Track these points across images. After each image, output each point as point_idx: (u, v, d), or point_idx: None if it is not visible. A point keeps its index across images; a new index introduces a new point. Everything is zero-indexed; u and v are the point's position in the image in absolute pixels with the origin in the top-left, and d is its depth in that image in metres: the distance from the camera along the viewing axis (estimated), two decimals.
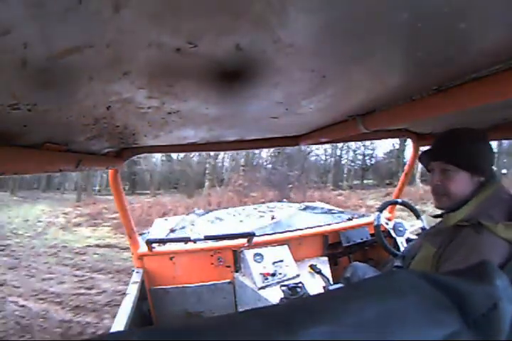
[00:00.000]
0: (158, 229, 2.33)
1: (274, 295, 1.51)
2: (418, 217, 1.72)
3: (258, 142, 1.40)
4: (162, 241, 1.77)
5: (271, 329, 0.21)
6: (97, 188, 18.51)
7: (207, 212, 2.82)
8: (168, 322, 0.23)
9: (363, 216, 2.24)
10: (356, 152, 17.63)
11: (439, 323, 0.23)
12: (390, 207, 1.92)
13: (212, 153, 13.07)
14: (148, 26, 0.30)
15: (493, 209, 0.79)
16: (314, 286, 1.59)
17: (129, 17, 0.28)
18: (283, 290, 1.49)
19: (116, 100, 0.53)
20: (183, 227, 2.28)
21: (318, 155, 17.20)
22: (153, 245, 1.67)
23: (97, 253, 5.34)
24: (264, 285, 1.58)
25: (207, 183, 13.47)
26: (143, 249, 1.69)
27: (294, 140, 1.41)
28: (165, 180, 17.62)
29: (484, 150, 0.83)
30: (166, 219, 2.80)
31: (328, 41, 0.39)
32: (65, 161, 0.77)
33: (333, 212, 2.53)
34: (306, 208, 2.68)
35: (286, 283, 1.58)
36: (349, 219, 2.14)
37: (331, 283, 1.63)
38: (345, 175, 17.59)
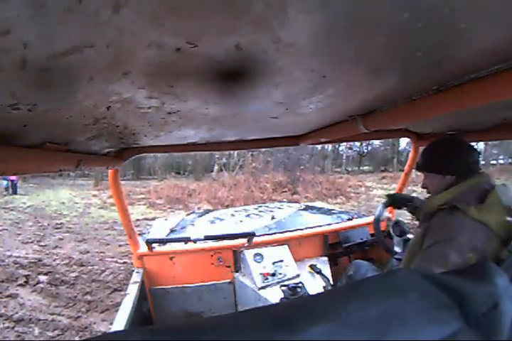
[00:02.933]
0: (158, 229, 2.33)
1: (274, 295, 1.51)
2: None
3: (258, 142, 1.40)
4: (162, 241, 1.77)
5: (271, 328, 0.21)
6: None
7: (207, 212, 2.82)
8: (168, 322, 0.23)
9: (363, 216, 2.24)
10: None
11: (440, 322, 0.23)
12: (390, 207, 1.92)
13: None
14: (148, 26, 0.30)
15: (468, 196, 0.96)
16: (314, 286, 1.59)
17: (129, 17, 0.28)
18: (283, 290, 1.49)
19: (117, 100, 0.53)
20: (183, 227, 2.28)
21: None
22: (154, 245, 1.68)
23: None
24: (264, 285, 1.58)
25: (216, 167, 13.69)
26: (143, 248, 1.69)
27: (294, 140, 1.41)
28: (167, 165, 17.94)
29: (451, 155, 1.02)
30: (166, 219, 2.80)
31: (328, 41, 0.39)
32: (65, 161, 0.77)
33: (333, 212, 2.53)
34: (306, 208, 2.68)
35: (286, 283, 1.58)
36: (349, 219, 2.14)
37: (331, 283, 1.63)
38: (344, 161, 18.43)
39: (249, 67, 0.46)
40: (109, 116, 0.63)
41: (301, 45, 0.39)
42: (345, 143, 18.21)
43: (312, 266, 1.72)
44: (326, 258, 1.85)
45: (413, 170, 1.64)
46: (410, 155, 1.76)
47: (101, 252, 4.57)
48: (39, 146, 0.64)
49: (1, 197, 8.82)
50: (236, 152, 13.94)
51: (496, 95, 0.53)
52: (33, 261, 4.09)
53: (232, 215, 2.58)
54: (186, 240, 1.75)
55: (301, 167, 11.15)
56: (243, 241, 1.74)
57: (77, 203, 9.50)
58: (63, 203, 9.46)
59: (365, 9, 0.31)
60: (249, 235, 1.71)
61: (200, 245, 1.76)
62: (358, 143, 18.38)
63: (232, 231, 1.85)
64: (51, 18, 0.25)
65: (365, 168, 18.99)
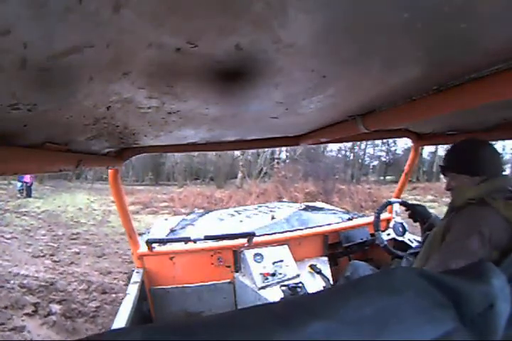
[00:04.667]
0: (159, 229, 2.33)
1: (274, 295, 1.51)
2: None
3: (258, 142, 1.40)
4: (162, 241, 1.77)
5: (270, 326, 0.21)
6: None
7: (207, 212, 2.82)
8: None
9: (363, 216, 2.24)
10: (376, 147, 17.98)
11: (436, 321, 0.23)
12: (389, 207, 1.92)
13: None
14: (148, 26, 0.30)
15: (497, 193, 0.95)
16: (314, 286, 1.59)
17: (129, 17, 0.28)
18: (283, 290, 1.49)
19: (117, 100, 0.53)
20: (183, 227, 2.28)
21: (332, 150, 17.42)
22: (154, 245, 1.68)
23: None
24: (264, 285, 1.58)
25: (240, 174, 13.25)
26: (143, 248, 1.69)
27: (294, 140, 1.41)
28: (187, 171, 17.61)
29: (481, 155, 1.00)
30: (166, 219, 2.80)
31: (328, 41, 0.39)
32: (65, 161, 0.77)
33: (333, 212, 2.53)
34: (306, 208, 2.68)
35: (286, 283, 1.58)
36: (349, 219, 2.14)
37: (331, 283, 1.63)
38: (371, 170, 17.96)
39: (249, 67, 0.46)
40: (109, 116, 0.63)
41: (301, 45, 0.39)
42: (370, 152, 17.82)
43: (312, 266, 1.72)
44: (326, 258, 1.85)
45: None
46: (410, 155, 1.76)
47: (125, 273, 3.82)
48: (39, 146, 0.64)
49: (13, 200, 8.01)
50: (262, 160, 13.62)
51: (496, 95, 0.53)
52: (43, 284, 3.38)
53: (232, 215, 2.58)
54: (186, 240, 1.75)
55: (336, 177, 10.58)
56: (243, 241, 1.74)
57: (95, 210, 8.74)
58: (80, 209, 8.70)
59: (365, 9, 0.31)
60: (249, 235, 1.71)
61: (200, 245, 1.76)
62: (379, 153, 18.00)
63: (232, 231, 1.85)
64: (51, 18, 0.25)
65: (388, 177, 18.36)
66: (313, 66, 0.48)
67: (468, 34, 0.38)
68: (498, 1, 0.30)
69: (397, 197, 1.85)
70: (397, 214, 1.74)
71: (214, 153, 14.04)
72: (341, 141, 1.50)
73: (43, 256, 4.52)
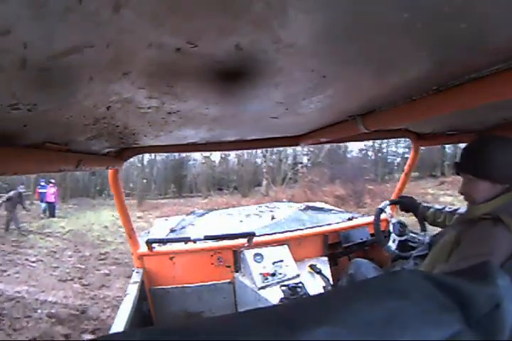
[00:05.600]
0: (159, 229, 2.33)
1: (274, 295, 1.51)
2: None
3: (258, 142, 1.40)
4: (162, 241, 1.77)
5: (273, 330, 0.21)
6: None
7: (207, 212, 2.81)
8: (168, 322, 0.23)
9: (363, 216, 2.24)
10: (398, 144, 17.70)
11: (442, 323, 0.23)
12: (389, 207, 1.92)
13: (268, 152, 12.83)
14: (148, 26, 0.30)
15: None
16: (314, 286, 1.59)
17: (129, 17, 0.28)
18: (283, 290, 1.49)
19: (117, 100, 0.53)
20: (183, 227, 2.28)
21: (352, 151, 17.16)
22: (154, 245, 1.68)
23: None
24: (264, 285, 1.58)
25: (265, 182, 12.94)
26: (143, 248, 1.69)
27: (294, 140, 1.41)
28: (209, 181, 17.40)
29: (506, 160, 0.86)
30: (166, 219, 2.80)
31: (328, 41, 0.39)
32: (65, 161, 0.77)
33: (333, 212, 2.53)
34: (306, 208, 2.68)
35: (286, 283, 1.58)
36: (349, 219, 2.14)
37: (331, 283, 1.63)
38: (395, 168, 17.67)
39: (249, 67, 0.46)
40: (109, 116, 0.63)
41: (301, 45, 0.39)
42: (393, 150, 17.49)
43: (312, 266, 1.72)
44: (326, 258, 1.85)
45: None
46: (410, 155, 1.76)
47: None
48: (39, 146, 0.64)
49: (37, 221, 7.62)
50: (286, 166, 13.27)
51: (496, 95, 0.53)
52: (74, 312, 3.07)
53: (232, 215, 2.58)
54: (186, 240, 1.75)
55: (366, 177, 10.22)
56: (243, 241, 1.74)
57: (121, 227, 7.63)
58: (106, 227, 8.15)
59: (365, 9, 0.31)
60: (249, 235, 1.71)
61: (200, 245, 1.76)
62: (401, 150, 17.53)
63: (232, 231, 1.85)
64: (51, 18, 0.25)
65: (413, 174, 18.27)
66: (313, 66, 0.48)
67: (468, 34, 0.38)
68: (498, 1, 0.30)
69: (397, 197, 1.85)
70: (391, 216, 1.73)
71: (236, 162, 13.93)
72: (341, 141, 1.50)
73: (71, 279, 4.26)
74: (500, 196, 0.89)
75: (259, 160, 13.23)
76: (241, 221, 2.37)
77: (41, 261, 5.15)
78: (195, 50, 0.37)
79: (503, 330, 0.24)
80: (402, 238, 1.64)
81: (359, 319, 0.22)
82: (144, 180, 15.33)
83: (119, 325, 1.22)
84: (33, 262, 5.10)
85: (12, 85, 0.36)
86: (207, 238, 1.67)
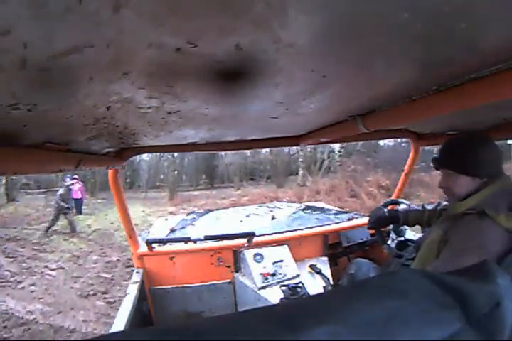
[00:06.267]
0: (159, 229, 2.33)
1: (274, 295, 1.51)
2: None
3: (258, 142, 1.41)
4: (162, 241, 1.78)
5: (273, 329, 0.21)
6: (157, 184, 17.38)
7: (207, 212, 2.82)
8: (168, 322, 0.23)
9: (363, 216, 2.24)
10: None
11: (442, 322, 0.23)
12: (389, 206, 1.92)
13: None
14: (148, 26, 0.30)
15: (498, 201, 0.88)
16: (314, 286, 1.59)
17: (129, 17, 0.28)
18: (283, 290, 1.49)
19: (117, 100, 0.53)
20: (183, 227, 2.28)
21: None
22: (154, 245, 1.68)
23: None
24: (264, 285, 1.58)
25: (301, 172, 12.29)
26: (143, 248, 1.69)
27: (294, 140, 1.41)
28: (242, 171, 16.82)
29: (484, 155, 0.91)
30: (166, 219, 2.80)
31: (328, 41, 0.39)
32: (65, 161, 0.77)
33: (333, 212, 2.53)
34: (306, 208, 2.68)
35: (286, 283, 1.58)
36: (349, 219, 2.14)
37: (331, 283, 1.63)
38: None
39: (249, 67, 0.46)
40: (109, 116, 0.63)
41: (301, 45, 0.39)
42: None
43: (312, 266, 1.72)
44: (326, 258, 1.85)
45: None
46: (410, 155, 1.76)
47: None
48: (39, 146, 0.64)
49: (62, 218, 6.82)
50: (325, 154, 12.69)
51: (496, 95, 0.52)
52: None
53: (232, 215, 2.58)
54: (186, 240, 1.75)
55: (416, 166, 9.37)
56: (243, 241, 1.74)
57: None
58: (136, 225, 6.91)
59: (365, 9, 0.31)
60: (249, 235, 1.71)
61: (200, 245, 1.76)
62: None
63: (232, 231, 1.85)
64: (51, 18, 0.25)
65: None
66: (313, 66, 0.48)
67: (468, 34, 0.38)
68: (498, 1, 0.30)
69: (398, 197, 1.85)
70: None
71: (269, 151, 13.48)
72: (341, 141, 1.50)
73: (94, 294, 3.63)
74: (481, 190, 0.92)
75: (295, 149, 12.46)
76: (241, 221, 2.37)
77: (62, 268, 4.58)
78: (195, 50, 0.37)
79: (504, 329, 0.24)
80: (402, 238, 1.64)
81: (359, 318, 0.22)
82: (175, 172, 14.67)
83: (119, 325, 1.22)
84: (53, 270, 4.53)
85: (12, 85, 0.36)
86: (207, 238, 1.67)
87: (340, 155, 11.72)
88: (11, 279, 4.18)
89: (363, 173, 9.08)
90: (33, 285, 4.02)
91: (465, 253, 0.83)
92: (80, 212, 9.04)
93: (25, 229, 6.93)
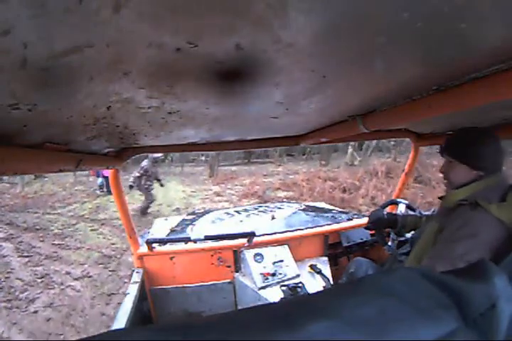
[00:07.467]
0: (159, 229, 2.33)
1: (274, 295, 1.51)
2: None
3: (258, 142, 1.41)
4: (162, 241, 1.78)
5: (271, 326, 0.21)
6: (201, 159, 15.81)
7: (207, 212, 2.82)
8: (168, 322, 0.24)
9: (363, 216, 2.24)
10: None
11: (438, 321, 0.23)
12: (389, 206, 1.92)
13: None
14: (148, 26, 0.30)
15: (490, 193, 0.93)
16: (314, 286, 1.59)
17: (129, 17, 0.28)
18: (283, 290, 1.49)
19: (117, 100, 0.53)
20: (183, 227, 2.29)
21: None
22: (154, 245, 1.68)
23: None
24: (264, 285, 1.58)
25: (350, 150, 10.89)
26: (143, 249, 1.69)
27: (294, 140, 1.41)
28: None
29: (487, 149, 0.95)
30: (166, 219, 2.80)
31: (328, 41, 0.39)
32: (65, 161, 0.77)
33: (333, 212, 2.53)
34: (306, 208, 2.68)
35: (286, 283, 1.58)
36: (349, 219, 2.14)
37: (331, 283, 1.63)
38: None
39: (249, 67, 0.46)
40: (109, 116, 0.63)
41: (301, 45, 0.39)
42: None
43: (312, 266, 1.72)
44: (326, 258, 1.85)
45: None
46: (410, 155, 1.76)
47: None
48: (39, 146, 0.64)
49: (91, 200, 5.85)
50: None
51: (496, 95, 0.52)
52: None
53: (232, 215, 2.58)
54: (186, 240, 1.75)
55: None
56: (243, 241, 1.74)
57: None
58: (177, 210, 6.08)
59: (365, 9, 0.31)
60: (249, 235, 1.71)
61: (200, 245, 1.76)
62: None
63: (232, 231, 1.85)
64: (51, 18, 0.25)
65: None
66: (313, 66, 0.48)
67: (468, 34, 0.38)
68: (498, 1, 0.30)
69: (398, 196, 1.85)
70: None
71: None
72: (341, 141, 1.50)
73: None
74: (475, 182, 0.97)
75: None
76: (241, 221, 2.37)
77: (88, 277, 3.34)
78: (195, 50, 0.37)
79: (500, 329, 0.24)
80: (402, 238, 1.64)
81: (356, 314, 0.22)
82: None
83: (119, 324, 1.22)
84: (76, 280, 3.31)
85: (12, 85, 0.36)
86: (207, 238, 1.67)
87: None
88: (21, 296, 3.04)
89: (427, 156, 7.64)
90: (48, 306, 2.83)
91: (459, 241, 0.87)
92: (110, 192, 7.35)
93: (48, 213, 5.86)
